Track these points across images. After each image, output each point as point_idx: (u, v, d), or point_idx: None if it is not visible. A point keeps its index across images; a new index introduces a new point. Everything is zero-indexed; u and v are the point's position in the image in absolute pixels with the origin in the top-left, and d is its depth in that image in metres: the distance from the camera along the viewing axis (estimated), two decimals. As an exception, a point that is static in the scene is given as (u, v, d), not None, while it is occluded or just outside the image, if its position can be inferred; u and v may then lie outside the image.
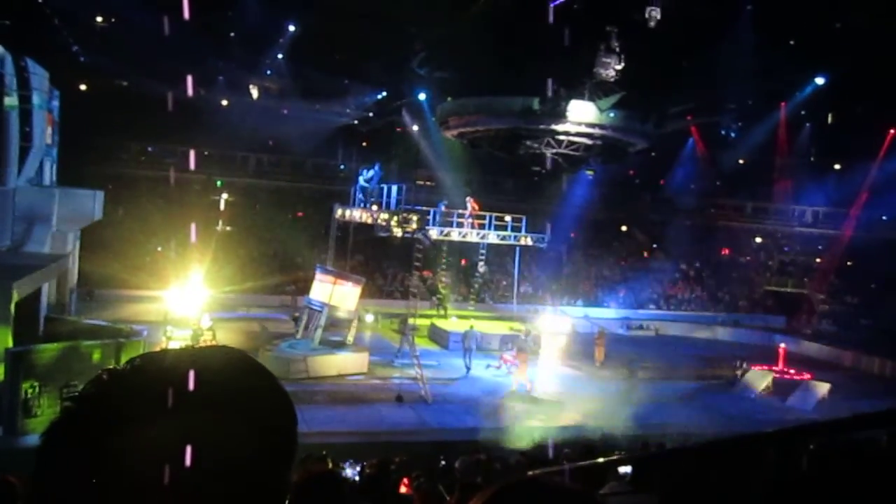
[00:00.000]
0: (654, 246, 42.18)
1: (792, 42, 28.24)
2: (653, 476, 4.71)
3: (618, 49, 24.32)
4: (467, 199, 27.68)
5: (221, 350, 0.98)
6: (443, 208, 26.44)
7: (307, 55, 34.05)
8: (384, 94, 38.61)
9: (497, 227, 27.06)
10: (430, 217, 24.72)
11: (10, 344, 13.99)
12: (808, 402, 20.86)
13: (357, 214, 25.73)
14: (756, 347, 30.20)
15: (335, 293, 21.69)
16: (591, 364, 24.46)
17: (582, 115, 26.64)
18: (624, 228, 43.56)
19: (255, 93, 39.15)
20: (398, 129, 39.71)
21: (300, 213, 38.75)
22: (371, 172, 26.00)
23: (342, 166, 40.87)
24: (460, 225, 26.34)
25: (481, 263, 30.59)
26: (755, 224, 45.24)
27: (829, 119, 38.44)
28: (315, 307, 21.92)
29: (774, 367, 24.35)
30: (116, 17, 32.35)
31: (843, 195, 40.36)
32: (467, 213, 26.80)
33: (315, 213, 37.36)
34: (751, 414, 19.82)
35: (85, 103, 29.94)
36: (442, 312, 30.83)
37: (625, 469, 6.20)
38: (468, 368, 22.24)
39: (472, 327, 23.76)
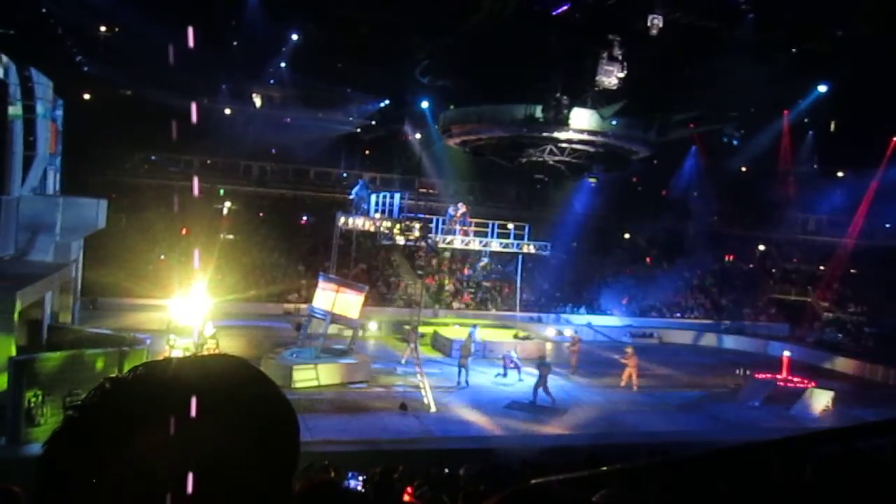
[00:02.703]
0: (658, 253, 42.10)
1: (794, 50, 28.25)
2: (653, 484, 4.69)
3: (620, 57, 24.40)
4: (458, 204, 27.81)
5: (223, 359, 0.98)
6: (451, 213, 26.75)
7: (310, 64, 34.15)
8: (387, 102, 38.73)
9: (500, 235, 27.08)
10: (433, 225, 24.82)
11: (14, 353, 14.01)
12: (812, 411, 20.77)
13: (360, 223, 25.80)
14: (760, 355, 30.13)
15: (338, 301, 21.70)
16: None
17: (584, 123, 26.72)
18: (627, 236, 43.49)
19: (257, 101, 39.30)
20: (401, 138, 39.80)
21: (303, 222, 38.80)
22: (357, 187, 26.52)
23: (345, 175, 40.93)
24: (456, 232, 26.59)
25: (485, 258, 30.66)
26: (758, 232, 45.12)
27: (832, 127, 38.42)
28: (318, 315, 21.94)
29: (778, 376, 24.25)
30: (120, 27, 32.52)
31: (847, 203, 40.30)
32: (462, 218, 26.99)
33: (318, 221, 37.40)
34: (754, 422, 19.75)
35: (88, 112, 30.07)
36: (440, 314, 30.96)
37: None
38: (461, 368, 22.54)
39: (475, 325, 24.72)
